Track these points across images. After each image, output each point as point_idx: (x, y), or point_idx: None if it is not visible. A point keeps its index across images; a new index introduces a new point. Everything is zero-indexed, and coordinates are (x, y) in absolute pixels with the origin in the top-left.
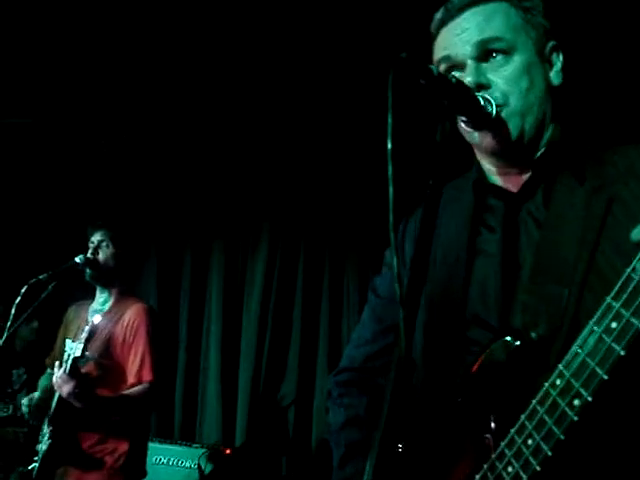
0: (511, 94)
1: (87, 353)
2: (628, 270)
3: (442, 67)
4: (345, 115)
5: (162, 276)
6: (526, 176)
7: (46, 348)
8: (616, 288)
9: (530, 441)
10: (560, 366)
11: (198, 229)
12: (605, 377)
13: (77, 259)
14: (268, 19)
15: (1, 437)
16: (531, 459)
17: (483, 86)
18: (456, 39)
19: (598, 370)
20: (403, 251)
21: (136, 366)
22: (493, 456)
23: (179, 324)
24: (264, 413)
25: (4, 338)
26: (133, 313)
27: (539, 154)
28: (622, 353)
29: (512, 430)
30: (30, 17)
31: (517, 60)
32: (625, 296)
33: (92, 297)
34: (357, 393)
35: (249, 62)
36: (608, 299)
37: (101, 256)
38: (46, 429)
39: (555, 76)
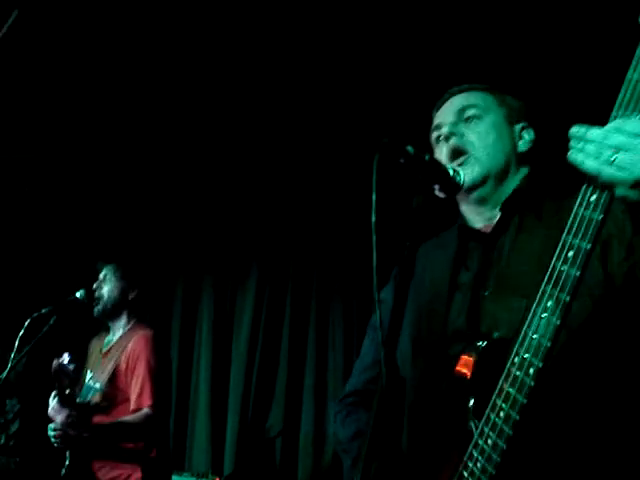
0: (479, 145)
1: (95, 384)
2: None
3: (434, 134)
4: (332, 159)
5: (153, 310)
6: (496, 217)
7: (39, 379)
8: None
9: (501, 413)
10: (515, 348)
11: (189, 265)
12: (549, 344)
13: (77, 294)
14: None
15: None
16: (504, 427)
17: (454, 134)
18: (445, 111)
19: (542, 341)
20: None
21: (136, 392)
22: (476, 435)
23: (169, 355)
24: (252, 442)
25: (7, 370)
26: (135, 341)
27: (505, 200)
28: (557, 323)
29: (487, 411)
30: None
31: (487, 121)
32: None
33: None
34: (363, 411)
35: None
36: (542, 286)
37: (104, 290)
38: (67, 454)
39: (523, 144)
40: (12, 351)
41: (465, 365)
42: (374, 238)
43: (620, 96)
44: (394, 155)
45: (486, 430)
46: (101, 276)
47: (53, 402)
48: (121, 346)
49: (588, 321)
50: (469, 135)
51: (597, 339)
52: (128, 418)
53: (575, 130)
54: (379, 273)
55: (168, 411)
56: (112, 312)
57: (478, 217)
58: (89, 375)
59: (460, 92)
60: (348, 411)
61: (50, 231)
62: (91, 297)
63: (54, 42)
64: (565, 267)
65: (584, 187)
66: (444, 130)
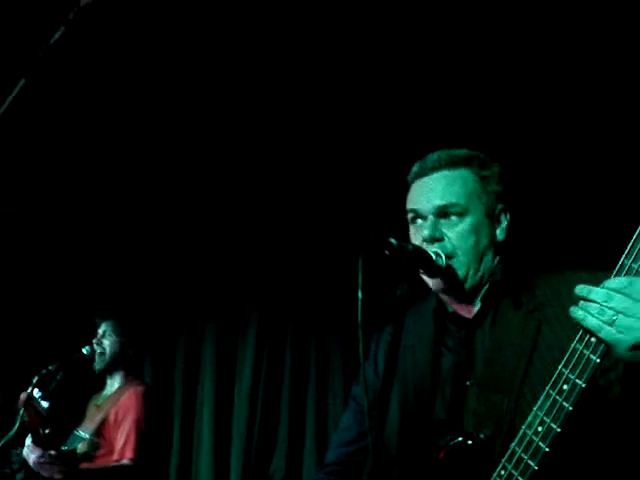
0: (459, 248)
1: (82, 433)
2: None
3: (410, 215)
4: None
5: (156, 360)
6: (476, 308)
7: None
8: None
9: None
10: (512, 446)
11: (191, 314)
12: (536, 467)
13: (84, 350)
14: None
15: None
16: None
17: (437, 239)
18: (423, 197)
19: (531, 463)
20: (376, 361)
21: (120, 444)
22: None
23: (173, 405)
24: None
25: (17, 426)
26: (127, 396)
27: (484, 291)
28: (558, 430)
29: None
30: None
31: (468, 222)
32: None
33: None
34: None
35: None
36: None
37: (104, 345)
38: None
39: (500, 233)
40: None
41: (450, 460)
42: (360, 334)
43: (631, 243)
44: (379, 249)
45: None
46: (100, 331)
47: (28, 442)
48: (113, 399)
49: (583, 429)
50: (452, 239)
51: (592, 440)
52: (107, 465)
53: (578, 290)
54: (366, 350)
55: (151, 466)
56: (111, 366)
57: (451, 301)
58: (78, 427)
59: (443, 167)
60: (332, 477)
61: (48, 285)
62: (92, 352)
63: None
64: (559, 398)
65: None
66: (425, 233)
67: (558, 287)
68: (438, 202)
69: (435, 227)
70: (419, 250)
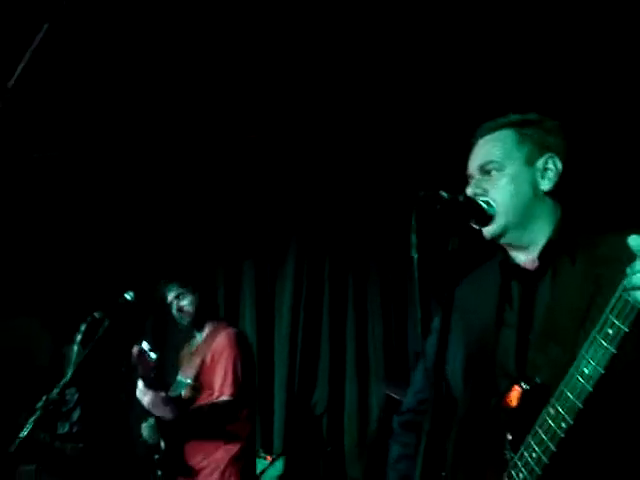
0: (498, 199)
1: (184, 379)
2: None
3: (468, 173)
4: (365, 135)
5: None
6: (536, 262)
7: (96, 373)
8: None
9: (534, 454)
10: (552, 400)
11: (228, 253)
12: (581, 406)
13: (127, 296)
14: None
15: (62, 452)
16: (535, 466)
17: (478, 194)
18: (470, 161)
19: (577, 402)
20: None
21: (219, 383)
22: (510, 466)
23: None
24: (299, 421)
25: (70, 373)
26: (221, 338)
27: (542, 249)
28: (602, 372)
29: (522, 447)
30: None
31: (505, 175)
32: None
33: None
34: (411, 433)
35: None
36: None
37: (186, 308)
38: (162, 441)
39: (547, 182)
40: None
41: (510, 401)
42: (417, 293)
43: None
44: (431, 204)
45: (519, 464)
46: (171, 296)
47: (140, 385)
48: (208, 344)
49: (627, 374)
50: (491, 192)
51: (623, 404)
52: (209, 402)
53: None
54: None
55: (251, 403)
56: (197, 321)
57: (515, 254)
58: (180, 374)
59: (487, 133)
60: (398, 432)
61: (86, 235)
62: (140, 298)
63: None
64: (604, 342)
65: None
66: (470, 189)
67: (618, 251)
68: (479, 162)
69: (477, 184)
70: (470, 200)
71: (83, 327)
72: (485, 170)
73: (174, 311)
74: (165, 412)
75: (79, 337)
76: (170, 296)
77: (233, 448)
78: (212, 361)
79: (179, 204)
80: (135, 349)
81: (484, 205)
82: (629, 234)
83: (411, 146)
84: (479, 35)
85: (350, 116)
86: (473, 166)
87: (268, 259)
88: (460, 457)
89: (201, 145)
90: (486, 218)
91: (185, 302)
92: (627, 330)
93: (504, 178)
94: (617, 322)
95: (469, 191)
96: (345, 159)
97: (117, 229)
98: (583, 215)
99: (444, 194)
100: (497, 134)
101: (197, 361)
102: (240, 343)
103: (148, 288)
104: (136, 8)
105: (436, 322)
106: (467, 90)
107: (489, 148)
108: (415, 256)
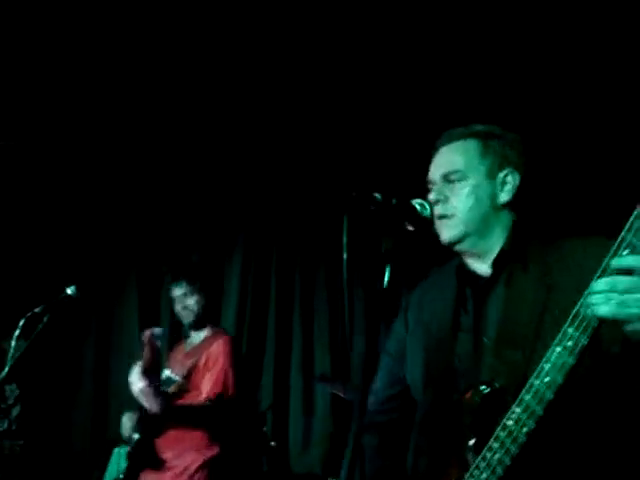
0: (459, 209)
1: (174, 376)
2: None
3: (428, 184)
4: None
5: (142, 293)
6: (489, 271)
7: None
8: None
9: (496, 456)
10: (514, 406)
11: (176, 247)
12: (542, 413)
13: (69, 290)
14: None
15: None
16: (497, 467)
17: (440, 201)
18: (433, 167)
19: (537, 409)
20: (406, 316)
21: (208, 386)
22: (472, 467)
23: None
24: (244, 416)
25: (7, 370)
26: (218, 344)
27: (495, 257)
28: (561, 382)
29: (484, 449)
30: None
31: (467, 185)
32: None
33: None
34: (371, 434)
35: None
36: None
37: (190, 307)
38: (136, 434)
39: (504, 195)
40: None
41: (469, 403)
42: (346, 293)
43: (631, 219)
44: (364, 205)
45: (481, 465)
46: (179, 294)
47: (136, 370)
48: (204, 347)
49: (585, 381)
50: (452, 200)
51: (582, 409)
52: (194, 403)
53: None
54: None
55: (238, 413)
56: (199, 321)
57: (470, 261)
58: (168, 371)
59: (451, 141)
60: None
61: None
62: (82, 293)
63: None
64: (564, 353)
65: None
66: (432, 196)
67: (565, 254)
68: (441, 170)
69: (440, 191)
70: (403, 203)
71: (22, 322)
72: (448, 179)
73: (178, 308)
74: (153, 404)
75: (17, 332)
76: (177, 292)
77: (207, 453)
78: (205, 365)
79: (126, 199)
80: (147, 332)
81: (418, 207)
82: (572, 240)
83: (359, 144)
84: (434, 39)
85: (295, 114)
86: (436, 173)
87: (215, 255)
88: (420, 458)
89: (151, 139)
90: (420, 220)
91: (191, 301)
92: (585, 343)
93: (466, 188)
94: (576, 335)
95: (431, 197)
96: (291, 156)
97: (60, 224)
98: (534, 224)
99: (377, 195)
100: (462, 143)
101: (190, 362)
102: (236, 352)
103: (92, 283)
104: (132, 6)
105: (397, 324)
106: (416, 95)
107: (453, 157)
108: (345, 256)
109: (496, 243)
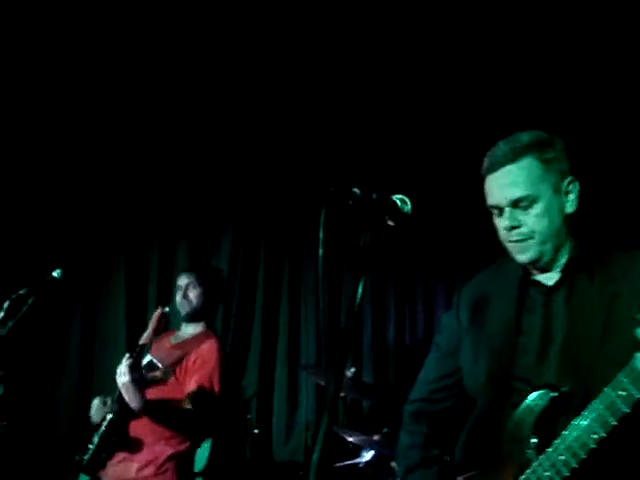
0: (536, 231)
1: (157, 362)
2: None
3: (492, 210)
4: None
5: (130, 280)
6: (556, 277)
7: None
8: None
9: (561, 457)
10: (586, 412)
11: (163, 233)
12: (615, 423)
13: (55, 273)
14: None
15: None
16: (562, 468)
17: (515, 227)
18: (497, 192)
19: (610, 419)
20: (458, 311)
21: (191, 389)
22: (535, 464)
23: (146, 322)
24: (228, 404)
25: None
26: (208, 346)
27: (564, 264)
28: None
29: (549, 449)
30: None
31: (540, 206)
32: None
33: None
34: (421, 422)
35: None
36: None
37: (191, 298)
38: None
39: (570, 205)
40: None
41: (534, 406)
42: (320, 270)
43: None
44: (342, 200)
45: (545, 464)
46: (183, 284)
47: (126, 362)
48: (193, 344)
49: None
50: (528, 224)
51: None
52: (177, 407)
53: None
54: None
55: (218, 413)
56: (196, 315)
57: (537, 272)
58: (150, 356)
59: (507, 162)
60: (408, 421)
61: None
62: (67, 276)
63: (53, 40)
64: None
65: None
66: (505, 223)
67: (630, 264)
68: (510, 196)
69: (512, 217)
70: (383, 197)
71: (6, 304)
72: (518, 205)
73: (179, 297)
74: (133, 400)
75: (2, 314)
76: (182, 281)
77: (177, 447)
78: (194, 364)
79: (116, 183)
80: (159, 310)
81: (399, 202)
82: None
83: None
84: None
85: (284, 109)
86: (502, 199)
87: (203, 240)
88: (473, 451)
89: (141, 126)
90: (400, 215)
91: (192, 293)
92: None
93: (538, 210)
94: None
95: (504, 223)
96: (279, 146)
97: (48, 206)
98: (597, 231)
99: (356, 190)
100: (520, 164)
101: (178, 354)
102: (224, 356)
103: (79, 266)
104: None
105: (448, 318)
106: (408, 90)
107: (516, 180)
108: (321, 252)
109: (564, 252)
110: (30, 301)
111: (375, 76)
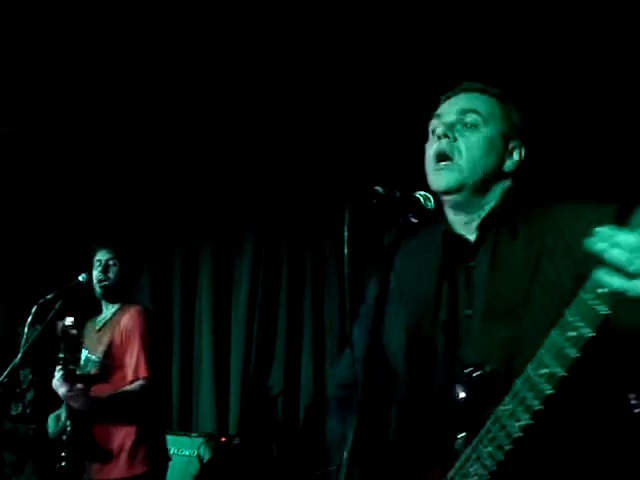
0: (465, 156)
1: (92, 356)
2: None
3: (433, 122)
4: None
5: (154, 280)
6: (476, 231)
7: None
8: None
9: (488, 448)
10: (508, 398)
11: (187, 232)
12: (540, 407)
13: (80, 278)
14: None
15: (14, 433)
16: (488, 461)
17: (447, 136)
18: (449, 105)
19: (535, 402)
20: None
21: (132, 365)
22: (462, 457)
23: (172, 323)
24: (255, 402)
25: (20, 356)
26: (127, 317)
27: (483, 218)
28: (563, 374)
29: (475, 440)
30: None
31: (483, 132)
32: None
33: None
34: (348, 408)
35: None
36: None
37: (111, 274)
38: (69, 423)
39: (510, 164)
40: (21, 334)
41: (457, 390)
42: (347, 287)
43: None
44: (366, 198)
45: (472, 457)
46: (102, 259)
47: (58, 375)
48: (115, 322)
49: (579, 389)
50: (460, 142)
51: (583, 404)
52: (126, 389)
53: (600, 233)
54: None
55: (165, 378)
56: (115, 293)
57: (457, 221)
58: (85, 351)
59: (471, 90)
60: (337, 406)
61: (42, 214)
62: (91, 280)
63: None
64: (566, 344)
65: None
66: (439, 130)
67: (558, 218)
68: (462, 105)
69: (451, 128)
70: (406, 196)
71: (34, 309)
72: (464, 121)
73: (97, 272)
74: (79, 405)
75: (30, 319)
76: (100, 257)
77: (141, 432)
78: (122, 340)
79: (136, 185)
80: (58, 325)
81: (422, 199)
82: (566, 203)
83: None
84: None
85: (302, 108)
86: (451, 109)
87: (226, 241)
88: (402, 439)
89: (161, 128)
90: (423, 212)
91: (112, 270)
92: (592, 334)
93: (480, 136)
94: (581, 326)
95: (438, 130)
96: (302, 144)
97: (73, 209)
98: (528, 194)
99: (379, 189)
100: (485, 97)
101: (105, 338)
102: (149, 320)
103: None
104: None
105: (363, 308)
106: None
107: (475, 101)
108: (346, 251)
109: (488, 205)
110: (57, 305)
111: (394, 77)
